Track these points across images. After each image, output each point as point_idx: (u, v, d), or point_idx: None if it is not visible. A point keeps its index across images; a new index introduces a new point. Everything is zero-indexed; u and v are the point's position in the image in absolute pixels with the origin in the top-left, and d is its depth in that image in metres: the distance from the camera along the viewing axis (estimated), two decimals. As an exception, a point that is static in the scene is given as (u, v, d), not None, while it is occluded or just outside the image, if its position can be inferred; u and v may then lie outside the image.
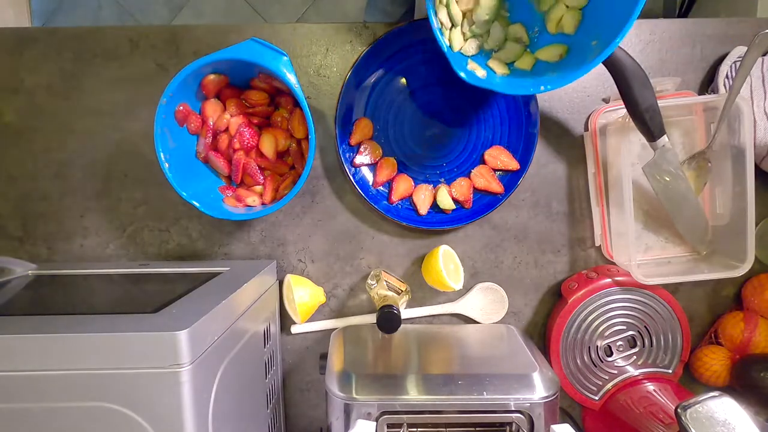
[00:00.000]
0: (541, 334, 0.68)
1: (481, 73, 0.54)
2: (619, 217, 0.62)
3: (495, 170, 0.64)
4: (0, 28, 0.64)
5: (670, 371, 0.64)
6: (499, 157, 0.63)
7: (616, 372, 0.64)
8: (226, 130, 0.60)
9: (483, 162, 0.64)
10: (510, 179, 0.63)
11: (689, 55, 0.65)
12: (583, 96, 0.66)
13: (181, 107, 0.57)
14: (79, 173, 0.65)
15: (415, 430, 0.49)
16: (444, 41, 0.51)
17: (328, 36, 0.65)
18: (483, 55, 0.57)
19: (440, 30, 0.51)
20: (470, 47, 0.56)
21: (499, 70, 0.56)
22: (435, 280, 0.62)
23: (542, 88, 0.49)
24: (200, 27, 0.64)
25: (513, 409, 0.48)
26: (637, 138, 0.59)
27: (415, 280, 0.67)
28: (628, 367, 0.64)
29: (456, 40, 0.55)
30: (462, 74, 0.50)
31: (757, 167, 0.61)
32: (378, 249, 0.67)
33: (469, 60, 0.55)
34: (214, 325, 0.42)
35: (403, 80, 0.63)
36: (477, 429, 0.49)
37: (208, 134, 0.60)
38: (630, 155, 0.57)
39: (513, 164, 0.63)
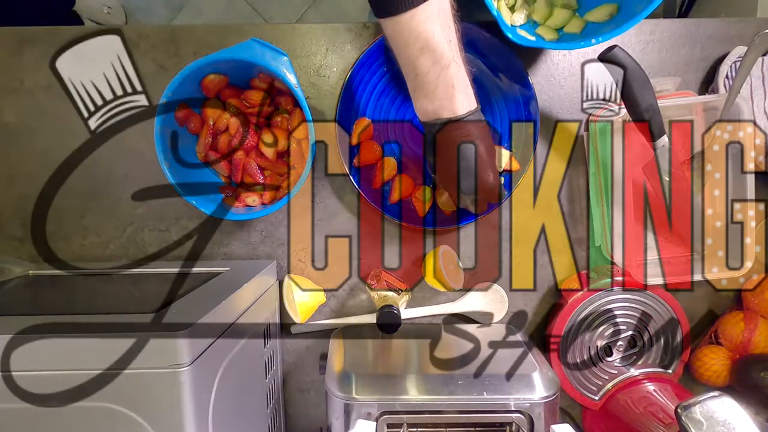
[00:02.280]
0: (541, 334, 0.68)
1: (530, 39, 0.57)
2: (619, 217, 0.62)
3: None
4: (0, 28, 0.64)
5: (670, 371, 0.64)
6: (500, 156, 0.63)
7: (616, 372, 0.64)
8: (226, 130, 0.60)
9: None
10: (510, 179, 0.63)
11: (689, 55, 0.65)
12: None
13: (181, 107, 0.57)
14: (79, 173, 0.65)
15: (415, 430, 0.49)
16: (494, 6, 0.53)
17: (328, 36, 0.65)
18: (531, 24, 0.60)
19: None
20: (519, 18, 0.59)
21: (548, 35, 0.59)
22: (435, 280, 0.62)
23: (593, 41, 0.52)
24: (200, 27, 0.64)
25: (513, 409, 0.48)
26: (637, 138, 0.59)
27: (415, 280, 0.67)
28: (628, 367, 0.64)
29: (504, 13, 0.58)
30: (509, 35, 0.53)
31: (757, 167, 0.61)
32: (378, 249, 0.67)
33: (518, 29, 0.58)
34: (214, 325, 0.42)
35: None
36: (477, 429, 0.49)
37: (208, 134, 0.60)
38: (630, 155, 0.57)
39: (513, 164, 0.63)
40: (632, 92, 0.53)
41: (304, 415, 0.69)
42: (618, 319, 0.63)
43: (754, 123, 0.61)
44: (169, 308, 0.42)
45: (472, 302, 0.67)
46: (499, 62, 0.61)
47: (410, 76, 0.49)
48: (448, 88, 0.48)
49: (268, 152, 0.60)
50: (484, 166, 0.52)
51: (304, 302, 0.62)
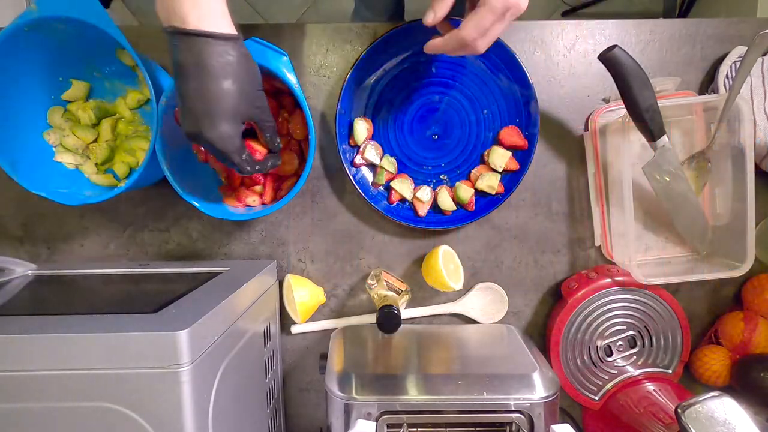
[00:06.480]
0: (541, 334, 0.68)
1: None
2: (619, 217, 0.62)
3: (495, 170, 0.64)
4: (0, 28, 0.64)
5: (670, 371, 0.64)
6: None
7: (616, 372, 0.64)
8: (226, 130, 0.60)
9: (483, 162, 0.64)
10: (510, 179, 0.63)
11: (689, 55, 0.65)
12: (583, 96, 0.66)
13: (181, 107, 0.57)
14: (79, 173, 0.65)
15: (415, 430, 0.49)
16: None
17: (328, 36, 0.65)
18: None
19: None
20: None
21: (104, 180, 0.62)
22: (435, 280, 0.62)
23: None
24: (200, 27, 0.64)
25: (513, 409, 0.48)
26: (637, 138, 0.59)
27: (415, 280, 0.67)
28: (628, 367, 0.64)
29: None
30: None
31: (757, 167, 0.61)
32: (378, 249, 0.67)
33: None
34: (214, 325, 0.42)
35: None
36: (477, 429, 0.49)
37: (208, 134, 0.60)
38: (630, 155, 0.57)
39: (513, 164, 0.62)
40: (632, 92, 0.53)
41: (304, 415, 0.69)
42: (618, 319, 0.63)
43: (754, 123, 0.61)
44: (169, 308, 0.42)
45: (472, 302, 0.67)
46: (499, 62, 0.61)
47: None
48: None
49: (268, 152, 0.60)
50: (211, 113, 0.42)
51: (304, 302, 0.62)
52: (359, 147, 0.63)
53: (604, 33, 0.65)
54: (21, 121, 0.57)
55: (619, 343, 0.64)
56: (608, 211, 0.64)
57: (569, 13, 1.46)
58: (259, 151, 0.56)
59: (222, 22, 0.42)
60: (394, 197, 0.64)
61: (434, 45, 0.49)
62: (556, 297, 0.68)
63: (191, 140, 0.45)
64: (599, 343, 0.64)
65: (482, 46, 0.46)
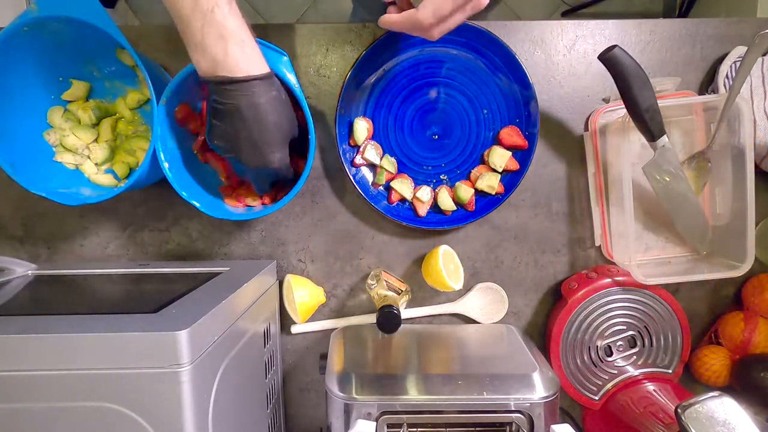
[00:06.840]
0: (541, 334, 0.68)
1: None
2: (619, 217, 0.62)
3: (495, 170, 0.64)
4: (0, 28, 0.64)
5: (670, 371, 0.64)
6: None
7: (616, 372, 0.64)
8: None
9: (483, 162, 0.64)
10: (510, 179, 0.63)
11: (689, 55, 0.65)
12: (583, 96, 0.66)
13: (181, 107, 0.57)
14: (79, 173, 0.65)
15: (415, 430, 0.49)
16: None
17: (328, 36, 0.65)
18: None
19: None
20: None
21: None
22: (435, 280, 0.62)
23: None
24: (200, 27, 0.64)
25: (513, 409, 0.48)
26: (637, 138, 0.59)
27: (415, 280, 0.67)
28: (628, 367, 0.64)
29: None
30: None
31: (757, 167, 0.61)
32: (378, 249, 0.67)
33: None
34: (214, 325, 0.42)
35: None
36: (477, 429, 0.49)
37: (208, 134, 0.60)
38: (630, 155, 0.57)
39: (512, 164, 0.63)
40: (632, 92, 0.53)
41: (304, 415, 0.69)
42: (618, 319, 0.63)
43: (754, 123, 0.61)
44: (169, 308, 0.42)
45: (472, 302, 0.67)
46: (499, 62, 0.61)
47: (176, 22, 0.44)
48: (217, 39, 0.43)
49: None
50: (270, 143, 0.48)
51: (304, 302, 0.62)
52: (359, 147, 0.63)
53: (604, 33, 0.65)
54: (21, 121, 0.57)
55: (619, 343, 0.64)
56: (608, 211, 0.64)
57: (569, 13, 1.46)
58: (252, 198, 0.61)
59: (262, 64, 0.47)
60: (394, 197, 0.64)
61: (388, 20, 0.48)
62: (556, 297, 0.68)
63: (254, 169, 0.51)
64: (599, 343, 0.64)
65: (437, 33, 0.46)
